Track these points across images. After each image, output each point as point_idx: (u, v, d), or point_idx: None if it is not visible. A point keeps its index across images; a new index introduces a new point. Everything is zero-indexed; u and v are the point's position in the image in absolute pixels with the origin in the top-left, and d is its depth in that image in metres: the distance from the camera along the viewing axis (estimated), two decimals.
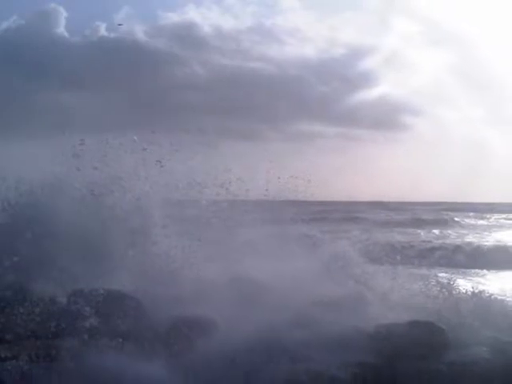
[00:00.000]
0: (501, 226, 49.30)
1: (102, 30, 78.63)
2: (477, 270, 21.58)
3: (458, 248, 27.27)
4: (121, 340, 8.13)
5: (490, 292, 10.82)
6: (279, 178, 13.45)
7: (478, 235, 38.31)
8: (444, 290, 10.67)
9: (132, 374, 7.30)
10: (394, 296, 10.87)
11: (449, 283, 10.98)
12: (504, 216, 62.00)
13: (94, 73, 56.77)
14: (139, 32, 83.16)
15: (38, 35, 69.18)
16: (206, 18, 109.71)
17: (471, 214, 63.54)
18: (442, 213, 61.95)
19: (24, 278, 9.83)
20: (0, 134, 15.89)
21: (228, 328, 8.62)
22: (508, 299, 11.13)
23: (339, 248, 13.12)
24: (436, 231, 40.07)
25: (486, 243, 30.98)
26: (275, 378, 7.48)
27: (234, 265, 11.30)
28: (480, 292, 10.57)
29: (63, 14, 71.38)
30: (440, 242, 31.87)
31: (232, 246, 12.12)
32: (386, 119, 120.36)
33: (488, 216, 61.69)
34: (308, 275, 11.13)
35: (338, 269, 12.02)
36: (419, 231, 39.87)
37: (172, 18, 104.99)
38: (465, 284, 12.81)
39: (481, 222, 54.89)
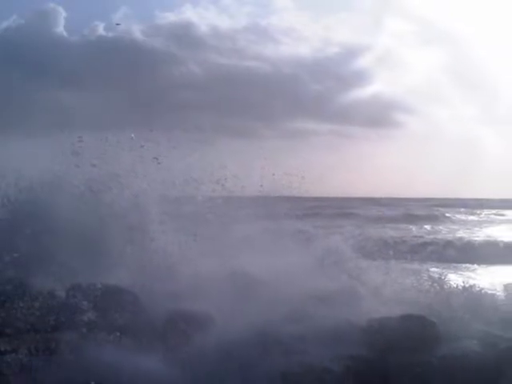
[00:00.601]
0: (491, 222, 49.73)
1: (101, 30, 78.86)
2: (467, 265, 21.69)
3: (449, 243, 27.45)
4: (118, 334, 8.19)
5: (481, 286, 10.89)
6: (274, 174, 13.51)
7: (468, 230, 38.56)
8: (435, 284, 10.78)
9: (130, 367, 7.36)
10: (387, 290, 10.96)
11: (440, 278, 11.08)
12: (494, 212, 62.39)
13: (92, 72, 56.51)
14: (137, 31, 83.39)
15: (37, 34, 69.16)
16: (202, 18, 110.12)
17: (462, 209, 63.83)
18: (434, 209, 62.20)
19: (24, 273, 9.83)
20: (0, 132, 15.90)
21: (224, 322, 8.68)
22: (498, 293, 11.18)
23: (332, 243, 13.13)
24: (427, 227, 40.29)
25: (476, 238, 31.25)
26: (270, 371, 7.57)
27: (229, 260, 11.31)
28: (471, 286, 10.65)
29: (62, 13, 71.26)
30: (431, 237, 32.04)
31: (228, 241, 12.15)
32: (379, 117, 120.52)
33: (478, 212, 62.00)
34: (302, 270, 11.17)
35: (331, 264, 12.06)
36: (411, 227, 40.08)
37: (169, 17, 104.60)
38: (456, 278, 12.85)
39: (471, 217, 55.29)
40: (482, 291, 10.63)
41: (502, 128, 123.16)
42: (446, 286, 10.77)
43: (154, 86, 66.53)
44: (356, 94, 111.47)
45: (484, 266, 21.59)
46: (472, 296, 10.35)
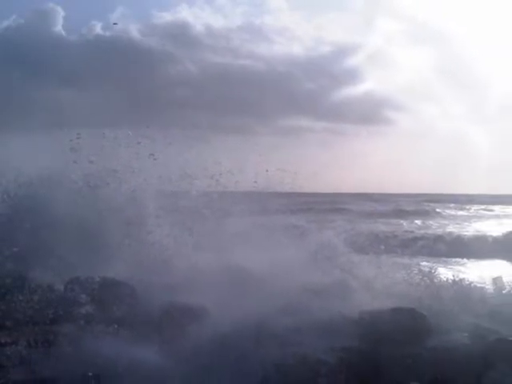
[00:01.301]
0: (480, 217, 50.06)
1: (98, 29, 79.36)
2: (457, 259, 21.82)
3: (439, 238, 27.55)
4: (116, 326, 8.28)
5: (470, 280, 11.07)
6: (267, 170, 13.60)
7: (458, 225, 38.83)
8: (426, 278, 10.94)
9: (127, 358, 7.43)
10: (378, 284, 11.08)
11: (430, 271, 11.27)
12: (483, 207, 62.81)
13: (90, 70, 56.32)
14: (133, 31, 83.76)
15: (36, 34, 68.90)
16: (198, 18, 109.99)
17: (452, 205, 64.13)
18: (424, 204, 62.51)
19: (23, 266, 9.94)
20: (0, 129, 15.96)
21: (219, 315, 8.73)
22: (487, 287, 11.37)
23: (325, 238, 13.21)
24: (418, 222, 40.51)
25: (465, 233, 31.40)
26: (264, 362, 7.64)
27: (224, 253, 11.41)
28: (460, 280, 10.85)
29: (61, 13, 71.20)
30: (422, 232, 32.16)
31: (222, 235, 12.27)
32: (370, 114, 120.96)
33: (468, 207, 62.47)
34: (295, 264, 11.27)
35: (324, 258, 12.14)
36: (402, 222, 40.27)
37: (165, 17, 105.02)
38: (446, 272, 13.00)
39: (461, 212, 55.63)
40: (472, 285, 10.82)
41: (491, 126, 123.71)
42: (436, 280, 10.94)
43: (151, 84, 66.63)
44: (348, 92, 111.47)
45: (473, 260, 21.81)
46: (461, 289, 10.54)
